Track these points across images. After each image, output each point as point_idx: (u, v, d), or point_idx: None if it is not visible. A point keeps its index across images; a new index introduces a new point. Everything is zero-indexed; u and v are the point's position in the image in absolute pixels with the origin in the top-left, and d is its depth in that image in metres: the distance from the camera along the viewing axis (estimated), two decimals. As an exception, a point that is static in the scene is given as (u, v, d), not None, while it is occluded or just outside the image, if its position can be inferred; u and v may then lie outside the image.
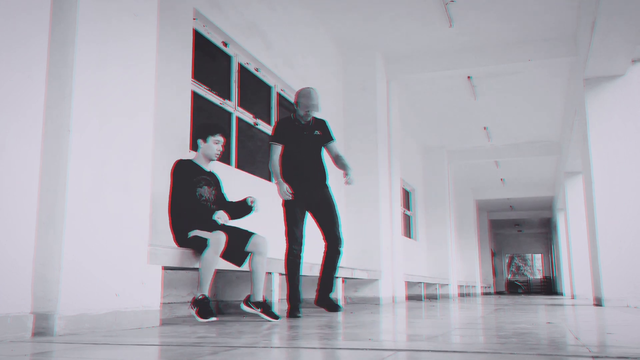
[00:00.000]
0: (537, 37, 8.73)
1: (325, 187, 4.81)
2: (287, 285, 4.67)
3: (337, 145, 4.96)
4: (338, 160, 4.87)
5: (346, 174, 4.71)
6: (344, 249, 4.86)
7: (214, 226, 4.00)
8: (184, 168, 4.08)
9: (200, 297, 3.83)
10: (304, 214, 4.73)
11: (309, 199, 4.71)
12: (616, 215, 7.58)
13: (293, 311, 4.53)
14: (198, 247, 3.90)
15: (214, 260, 3.82)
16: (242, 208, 4.25)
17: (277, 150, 4.75)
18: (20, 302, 2.71)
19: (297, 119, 4.73)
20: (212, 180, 4.23)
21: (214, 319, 3.84)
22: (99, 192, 3.12)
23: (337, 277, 4.95)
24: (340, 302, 6.70)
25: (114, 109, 3.28)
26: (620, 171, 7.70)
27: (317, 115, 4.88)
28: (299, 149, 4.71)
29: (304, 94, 4.66)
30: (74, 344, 2.44)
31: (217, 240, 3.80)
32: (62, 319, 2.82)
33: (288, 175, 4.69)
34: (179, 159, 4.20)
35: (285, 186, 4.62)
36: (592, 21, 6.63)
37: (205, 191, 4.13)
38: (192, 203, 4.05)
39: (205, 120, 5.50)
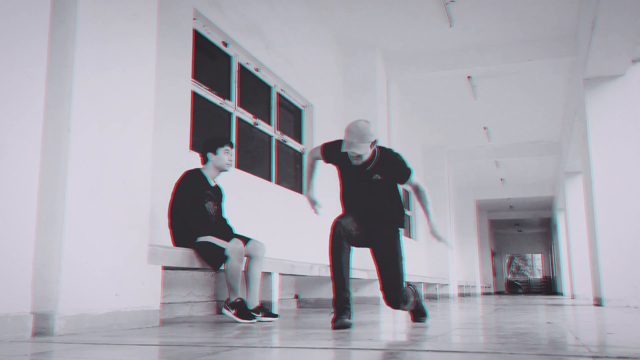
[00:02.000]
0: (537, 37, 8.72)
1: (391, 224, 3.70)
2: (333, 284, 3.50)
3: (415, 177, 3.72)
4: (418, 194, 3.78)
5: (431, 229, 3.76)
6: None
7: (222, 236, 4.05)
8: (194, 178, 4.15)
9: (238, 300, 3.98)
10: (351, 244, 3.58)
11: (367, 232, 3.67)
12: (616, 215, 7.58)
13: (338, 320, 3.34)
14: (206, 252, 3.95)
15: (239, 267, 3.96)
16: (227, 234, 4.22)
17: (317, 154, 3.83)
18: (20, 302, 2.71)
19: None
20: (215, 196, 4.30)
21: (254, 320, 3.93)
22: (99, 192, 3.12)
23: None
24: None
25: (114, 109, 3.28)
26: (620, 171, 7.70)
27: (379, 145, 3.69)
28: (355, 185, 3.70)
29: (347, 129, 3.50)
30: (74, 344, 2.44)
31: (237, 250, 3.93)
32: (62, 319, 2.82)
33: (349, 204, 3.75)
34: (186, 170, 4.22)
35: (316, 204, 3.82)
36: (592, 21, 6.63)
37: (209, 206, 4.21)
38: (201, 211, 4.12)
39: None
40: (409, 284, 3.93)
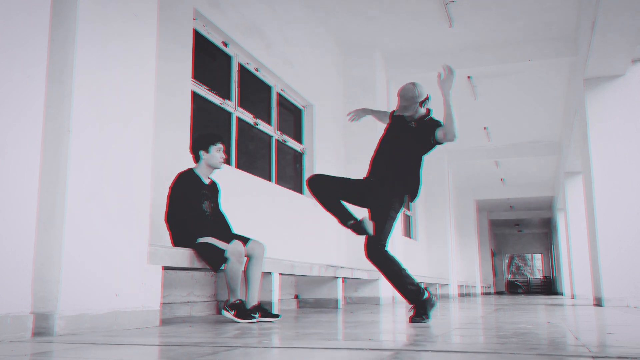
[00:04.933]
0: (537, 37, 8.72)
1: (387, 186, 3.96)
2: (333, 213, 4.05)
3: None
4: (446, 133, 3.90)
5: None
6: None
7: (221, 236, 4.04)
8: (188, 180, 4.12)
9: (237, 301, 3.99)
10: (358, 192, 4.04)
11: (367, 189, 4.02)
12: (616, 215, 7.58)
13: (351, 220, 3.88)
14: (206, 253, 3.95)
15: (239, 269, 3.97)
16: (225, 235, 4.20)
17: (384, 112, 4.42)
18: (20, 302, 2.71)
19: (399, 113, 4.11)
20: (211, 194, 4.27)
21: (254, 321, 3.94)
22: (99, 192, 3.12)
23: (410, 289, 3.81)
24: (340, 302, 6.71)
25: (114, 109, 3.28)
26: (620, 171, 7.70)
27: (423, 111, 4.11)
28: (389, 138, 4.09)
29: (400, 92, 4.00)
30: (74, 344, 2.44)
31: (237, 252, 3.92)
32: (62, 319, 2.82)
33: (375, 165, 4.08)
34: (180, 172, 4.19)
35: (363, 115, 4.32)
36: (592, 21, 6.63)
37: (206, 206, 4.19)
38: (198, 212, 4.10)
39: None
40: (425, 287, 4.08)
